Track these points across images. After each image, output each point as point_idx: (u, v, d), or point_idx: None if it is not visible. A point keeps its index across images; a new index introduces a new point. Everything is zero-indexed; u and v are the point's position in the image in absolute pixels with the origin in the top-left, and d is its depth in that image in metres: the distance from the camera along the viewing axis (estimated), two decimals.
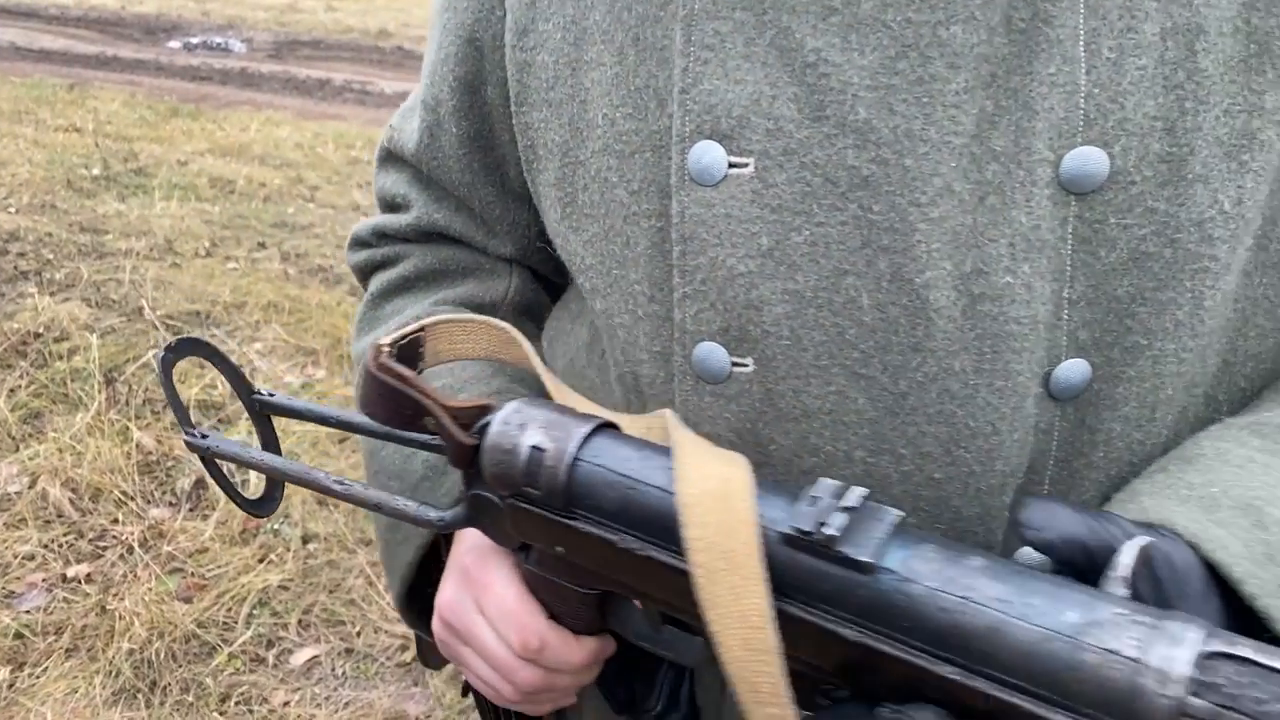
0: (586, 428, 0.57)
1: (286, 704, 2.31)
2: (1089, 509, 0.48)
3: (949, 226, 0.55)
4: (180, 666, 2.36)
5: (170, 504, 2.88)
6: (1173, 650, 0.40)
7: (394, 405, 0.61)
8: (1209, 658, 0.39)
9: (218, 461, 0.76)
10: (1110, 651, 0.40)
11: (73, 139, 6.03)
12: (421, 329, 0.68)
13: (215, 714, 2.25)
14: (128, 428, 3.10)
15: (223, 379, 0.75)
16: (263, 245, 4.69)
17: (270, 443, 0.76)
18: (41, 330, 3.52)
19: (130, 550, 2.66)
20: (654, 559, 0.53)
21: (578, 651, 0.64)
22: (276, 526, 2.79)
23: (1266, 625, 0.47)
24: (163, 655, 2.37)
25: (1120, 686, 0.40)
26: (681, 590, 0.50)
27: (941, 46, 0.54)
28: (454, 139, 0.80)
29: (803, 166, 0.57)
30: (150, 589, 2.53)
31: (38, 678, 2.29)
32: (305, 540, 2.77)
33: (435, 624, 0.71)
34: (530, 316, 0.87)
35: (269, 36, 10.71)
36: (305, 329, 3.87)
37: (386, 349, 0.64)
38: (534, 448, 0.57)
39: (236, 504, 0.77)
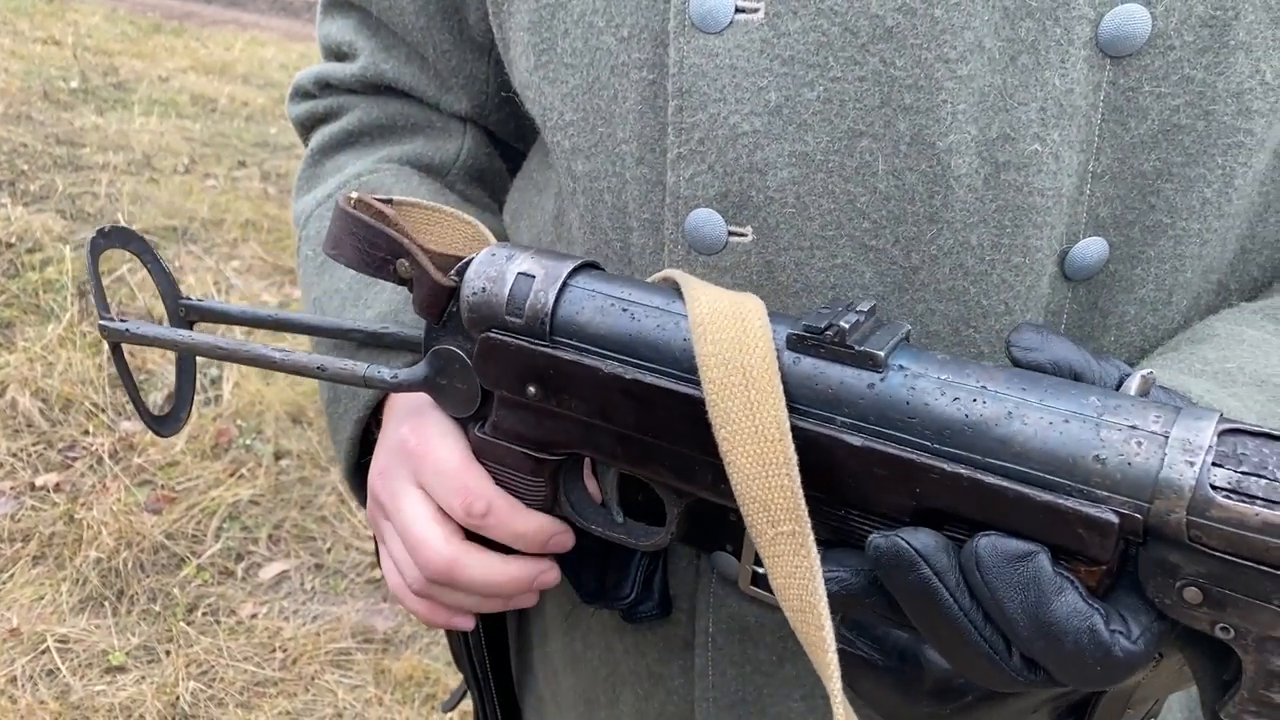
0: (578, 261, 0.54)
1: (254, 616, 2.30)
2: (1077, 343, 0.46)
3: (977, 86, 0.50)
4: (148, 576, 2.35)
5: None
6: (1196, 423, 0.39)
7: (367, 244, 0.57)
8: (1229, 433, 0.38)
9: (131, 371, 0.73)
10: (1134, 427, 0.39)
11: (51, 51, 5.89)
12: (389, 200, 0.62)
13: (182, 623, 2.24)
14: (100, 340, 3.05)
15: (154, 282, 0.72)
16: (243, 164, 4.61)
17: None
18: (14, 240, 3.46)
19: (100, 461, 2.63)
20: (644, 383, 0.49)
21: (525, 519, 0.59)
22: (249, 442, 2.77)
23: None
24: (130, 565, 2.36)
25: (1144, 460, 0.39)
26: (664, 423, 0.47)
27: None
28: None
29: (819, 14, 0.51)
30: (119, 500, 2.51)
31: (4, 583, 2.27)
32: (278, 456, 2.75)
33: (369, 500, 0.66)
34: (483, 184, 0.82)
35: None
36: (283, 248, 3.81)
37: (357, 197, 0.60)
38: (522, 274, 0.54)
39: (141, 417, 0.74)
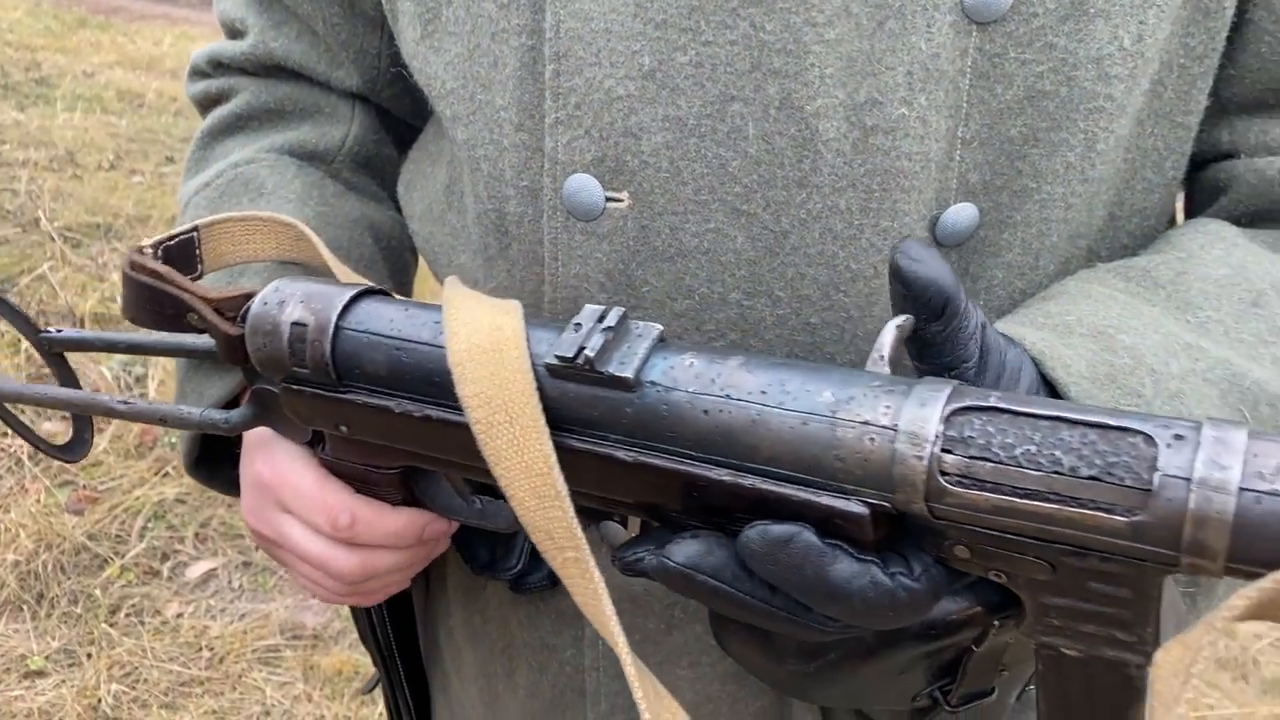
0: (347, 295, 0.53)
1: (180, 616, 2.26)
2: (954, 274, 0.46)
3: (844, 51, 0.51)
4: (69, 579, 2.30)
5: (63, 417, 2.78)
6: (922, 411, 0.39)
7: (155, 306, 0.57)
8: (958, 413, 0.39)
9: (19, 406, 0.72)
10: (865, 423, 0.40)
11: None
12: (195, 229, 0.63)
13: (104, 625, 2.20)
14: (19, 340, 2.98)
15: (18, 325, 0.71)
16: (171, 160, 4.52)
17: (69, 381, 0.71)
18: None
19: (19, 463, 2.57)
20: (434, 419, 0.50)
21: (393, 519, 0.59)
22: (174, 440, 2.72)
23: None
24: (50, 567, 2.30)
25: (878, 456, 0.40)
26: (470, 448, 0.48)
27: None
28: None
29: None
30: (39, 501, 2.45)
31: None
32: None
33: (256, 539, 0.67)
34: (370, 170, 0.81)
35: None
36: None
37: (150, 250, 0.59)
38: (295, 324, 0.53)
39: (45, 452, 0.73)
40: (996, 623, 0.45)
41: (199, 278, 0.64)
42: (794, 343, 0.55)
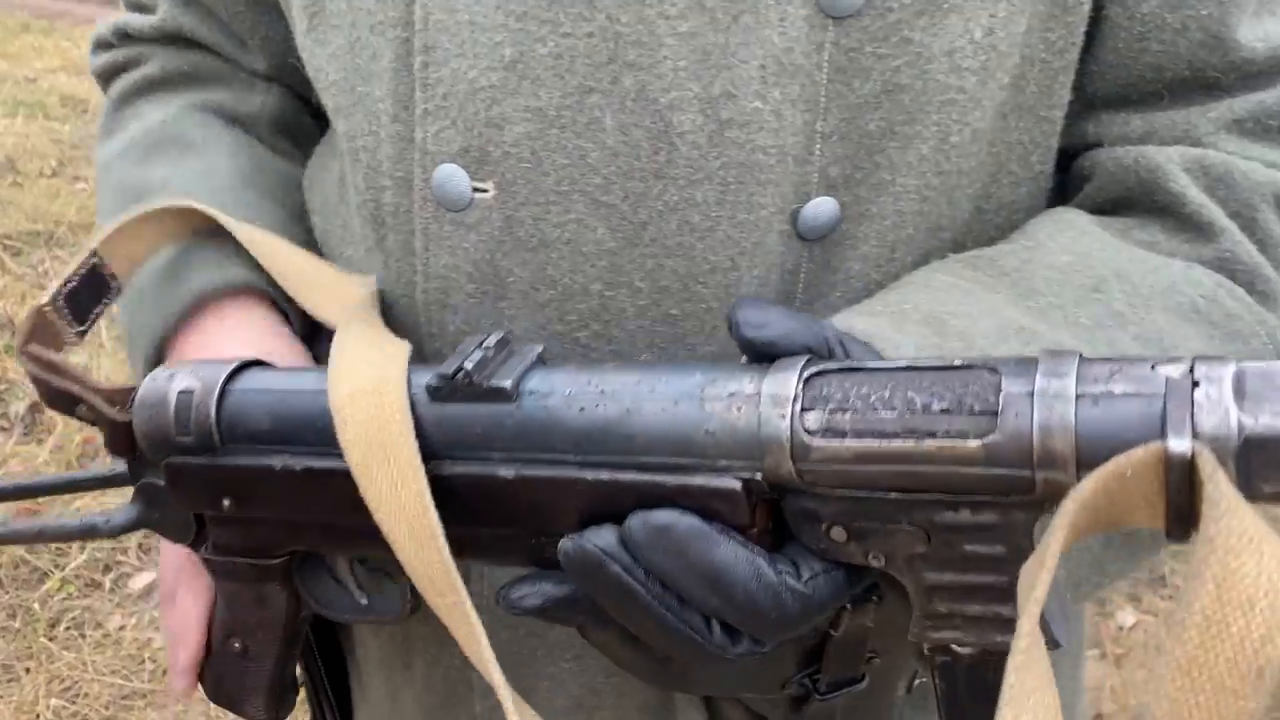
0: (236, 362, 0.55)
1: (122, 628, 2.23)
2: (792, 309, 0.47)
3: (699, 44, 0.52)
4: (7, 593, 2.26)
5: (2, 429, 2.74)
6: (781, 374, 0.41)
7: (52, 392, 0.58)
8: (816, 376, 0.41)
9: None
10: (732, 395, 0.42)
11: None
12: (93, 254, 0.62)
13: (43, 639, 2.16)
14: None
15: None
16: None
17: None
18: None
19: None
20: (316, 470, 0.51)
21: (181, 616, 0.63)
22: None
23: None
24: None
25: (745, 422, 0.41)
26: (354, 502, 0.48)
27: None
28: None
29: None
30: None
31: None
32: None
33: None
34: (289, 135, 0.80)
35: None
36: None
37: (49, 307, 0.60)
38: (182, 392, 0.55)
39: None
40: (849, 605, 0.45)
41: (119, 292, 0.64)
42: (655, 334, 0.56)
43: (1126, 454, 0.33)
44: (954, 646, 0.42)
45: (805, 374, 0.41)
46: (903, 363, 0.40)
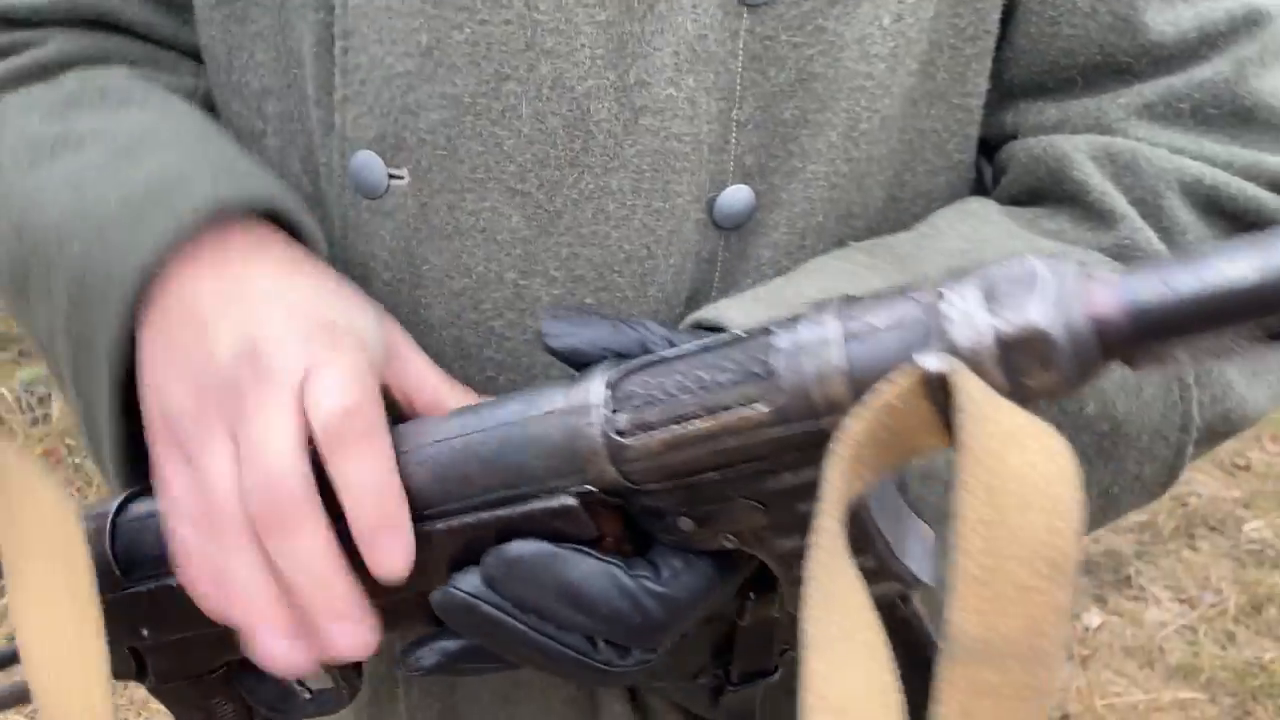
0: (122, 496, 0.54)
1: None
2: (617, 316, 0.48)
3: (615, 32, 0.52)
4: None
5: None
6: (586, 384, 0.43)
7: None
8: (623, 378, 0.42)
9: None
10: (547, 413, 0.43)
11: None
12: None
13: None
14: None
15: None
16: None
17: None
18: None
19: None
20: None
21: None
22: (79, 461, 2.67)
23: None
24: None
25: (561, 438, 0.42)
26: None
27: None
28: None
29: None
30: None
31: None
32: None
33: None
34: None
35: None
36: None
37: None
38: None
39: None
40: (751, 595, 0.46)
41: None
42: None
43: (886, 384, 0.34)
44: None
45: (611, 378, 0.42)
46: (695, 345, 0.41)
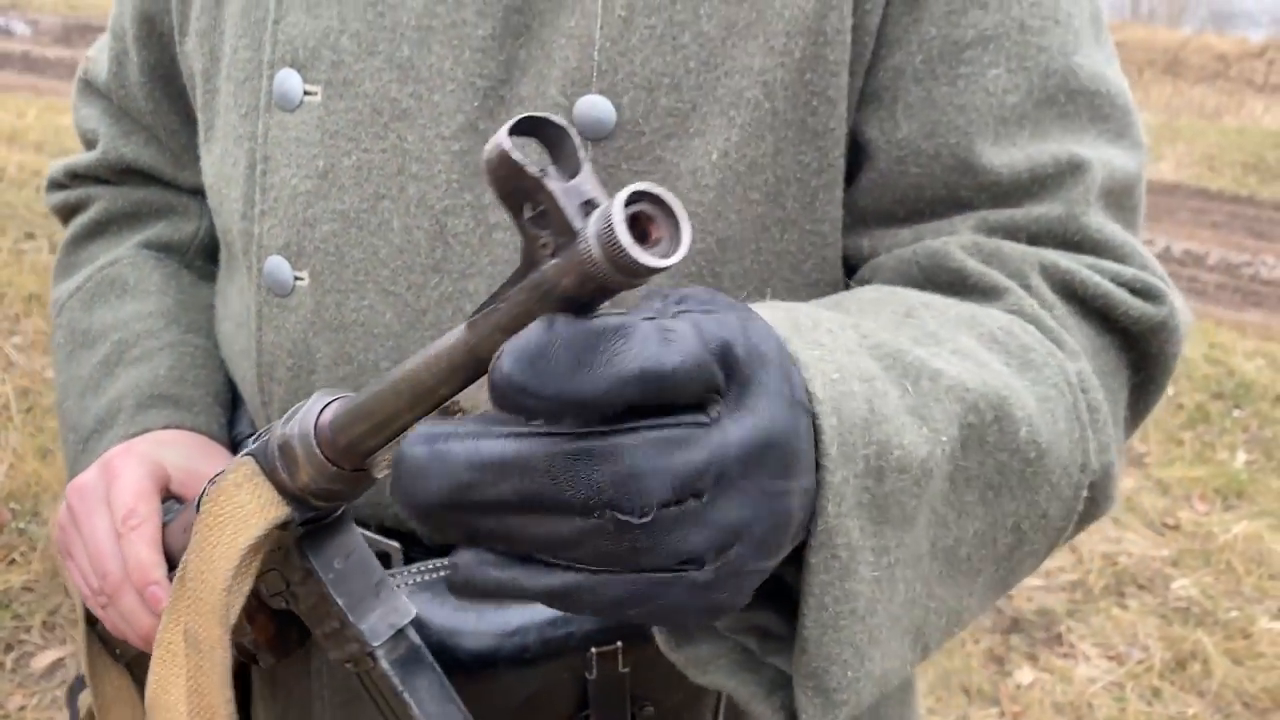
0: None
1: (23, 709, 2.18)
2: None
3: (470, 160, 0.61)
4: None
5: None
6: None
7: None
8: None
9: None
10: None
11: None
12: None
13: None
14: None
15: None
16: (31, 235, 4.42)
17: None
18: None
19: None
20: None
21: (143, 551, 0.64)
22: (23, 525, 2.64)
23: None
24: None
25: None
26: None
27: None
28: (136, 67, 0.82)
29: (356, 96, 0.63)
30: None
31: None
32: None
33: (62, 509, 0.71)
34: (216, 257, 0.88)
35: (57, 20, 10.12)
36: None
37: None
38: None
39: None
40: (593, 649, 0.53)
41: None
42: None
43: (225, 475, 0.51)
44: (345, 665, 0.53)
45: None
46: None
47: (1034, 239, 0.62)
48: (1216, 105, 10.67)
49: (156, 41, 0.80)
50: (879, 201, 0.65)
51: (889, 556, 0.44)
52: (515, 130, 0.35)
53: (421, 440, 0.35)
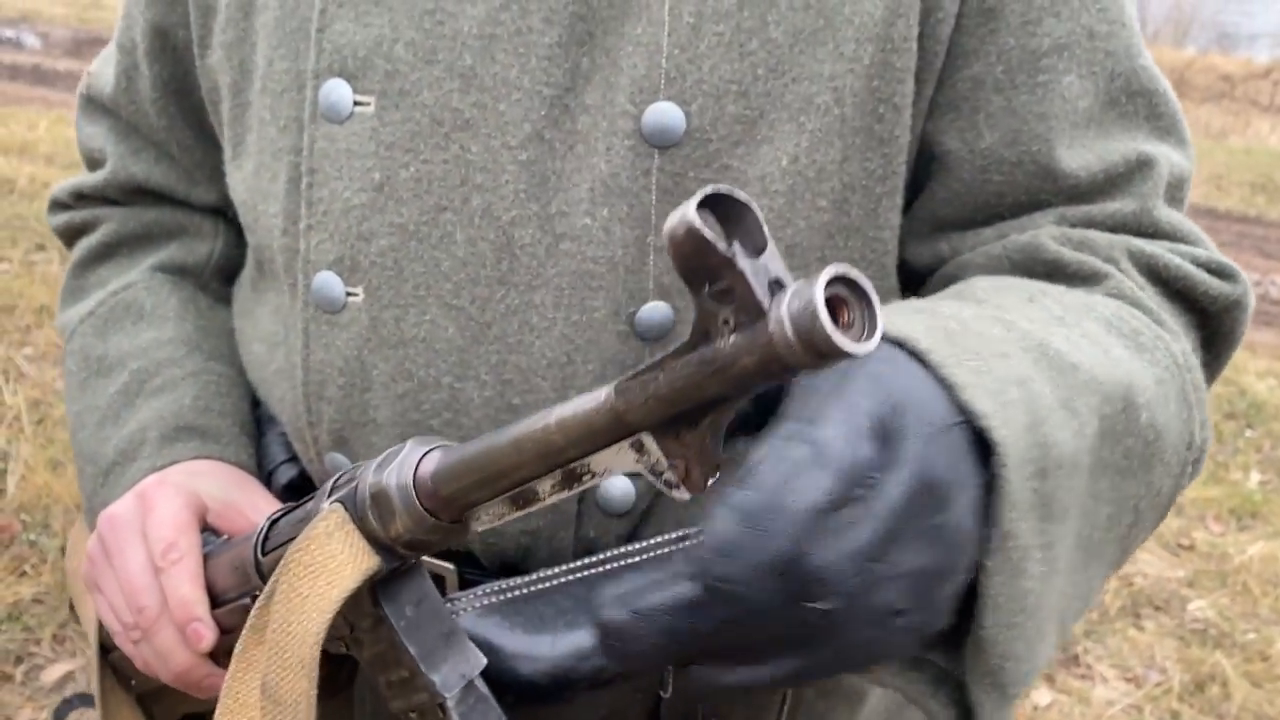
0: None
1: None
2: None
3: (536, 170, 0.60)
4: None
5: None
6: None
7: None
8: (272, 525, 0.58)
9: None
10: (245, 538, 0.61)
11: None
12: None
13: None
14: None
15: None
16: (42, 247, 4.43)
17: None
18: None
19: None
20: None
21: (187, 588, 0.62)
22: (34, 538, 2.63)
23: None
24: None
25: (240, 558, 0.60)
26: None
27: (540, 2, 0.59)
28: (148, 81, 0.79)
29: (414, 107, 0.61)
30: None
31: None
32: (65, 551, 2.62)
33: (91, 540, 0.70)
34: (231, 278, 0.86)
35: (67, 33, 10.16)
36: None
37: None
38: None
39: None
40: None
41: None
42: (499, 421, 0.62)
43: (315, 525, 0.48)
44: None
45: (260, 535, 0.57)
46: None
47: (1111, 233, 0.64)
48: (1222, 125, 10.69)
49: (170, 55, 0.77)
50: (960, 210, 0.66)
51: (1052, 551, 0.46)
52: (701, 205, 0.34)
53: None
